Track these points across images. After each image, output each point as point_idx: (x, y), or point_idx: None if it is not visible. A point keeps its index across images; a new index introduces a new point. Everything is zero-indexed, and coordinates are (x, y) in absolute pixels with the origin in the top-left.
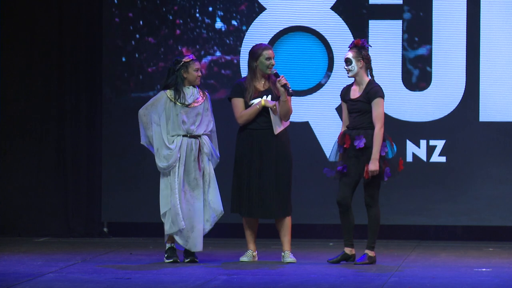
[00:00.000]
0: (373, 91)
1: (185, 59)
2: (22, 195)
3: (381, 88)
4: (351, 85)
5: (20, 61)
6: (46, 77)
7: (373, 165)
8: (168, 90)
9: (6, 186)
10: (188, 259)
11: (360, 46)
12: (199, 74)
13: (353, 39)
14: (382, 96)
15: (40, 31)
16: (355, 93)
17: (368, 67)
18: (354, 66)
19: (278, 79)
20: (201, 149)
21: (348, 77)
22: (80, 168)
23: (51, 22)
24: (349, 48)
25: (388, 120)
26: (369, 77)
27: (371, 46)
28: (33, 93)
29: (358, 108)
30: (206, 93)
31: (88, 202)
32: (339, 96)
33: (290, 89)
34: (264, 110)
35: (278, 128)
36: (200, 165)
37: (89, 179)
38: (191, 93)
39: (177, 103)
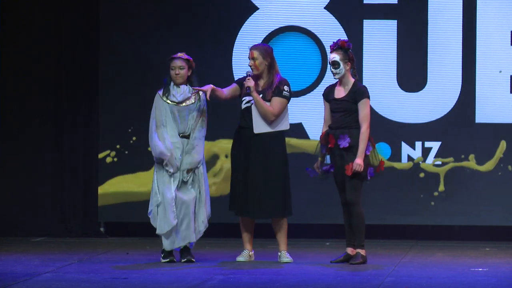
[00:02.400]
0: (360, 92)
1: (169, 58)
2: (19, 195)
3: (367, 89)
4: (335, 84)
5: (18, 62)
6: (44, 77)
7: (359, 159)
8: (162, 90)
9: (3, 186)
10: (185, 259)
11: (346, 48)
12: (177, 72)
13: (340, 39)
14: (368, 96)
15: (38, 33)
16: (340, 92)
17: (352, 67)
18: (342, 69)
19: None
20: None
21: (335, 78)
22: (77, 168)
23: (49, 24)
24: (331, 49)
25: (383, 121)
26: (354, 77)
27: (351, 44)
28: (30, 94)
29: (343, 108)
30: (201, 94)
31: (85, 202)
32: (322, 95)
33: (248, 91)
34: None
35: (258, 128)
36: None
37: (86, 179)
38: (182, 92)
39: (168, 101)
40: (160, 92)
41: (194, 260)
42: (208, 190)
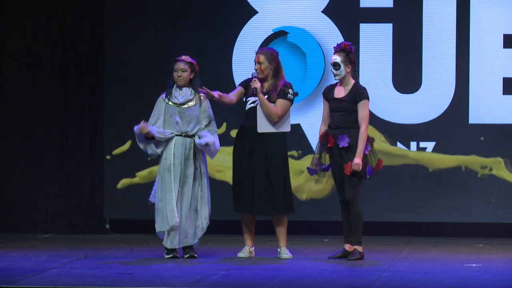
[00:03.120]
0: (360, 93)
1: (173, 60)
2: (26, 193)
3: (367, 90)
4: (335, 84)
5: (22, 59)
6: (49, 75)
7: (358, 159)
8: (165, 93)
9: (10, 184)
10: (188, 255)
11: (348, 51)
12: (179, 74)
13: (343, 42)
14: (368, 98)
15: (42, 30)
16: (340, 92)
17: (353, 70)
18: (343, 70)
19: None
20: (196, 148)
21: (335, 79)
22: (82, 166)
23: (53, 23)
24: (334, 50)
25: (379, 122)
26: (355, 79)
27: (354, 48)
28: (36, 91)
29: (342, 108)
30: (202, 94)
31: (90, 199)
32: (322, 94)
33: (255, 91)
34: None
35: (262, 127)
36: (195, 163)
37: (92, 177)
38: (184, 94)
39: (170, 103)
40: (163, 95)
41: (196, 256)
42: (209, 187)
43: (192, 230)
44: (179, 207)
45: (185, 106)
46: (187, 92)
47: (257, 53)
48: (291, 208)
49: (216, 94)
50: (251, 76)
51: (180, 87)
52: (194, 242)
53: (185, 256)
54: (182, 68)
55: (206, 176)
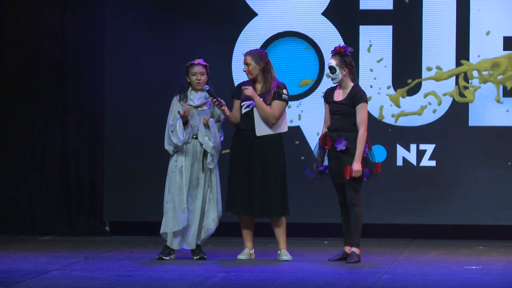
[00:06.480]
0: (358, 96)
1: (187, 64)
2: (26, 195)
3: (365, 93)
4: (335, 87)
5: (22, 60)
6: (49, 75)
7: (356, 166)
8: (178, 95)
9: (10, 186)
10: (198, 256)
11: (343, 54)
12: (198, 78)
13: (343, 44)
14: (366, 101)
15: (42, 30)
16: (339, 96)
17: (351, 72)
18: (339, 74)
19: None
20: (205, 150)
21: (333, 83)
22: (82, 168)
23: (53, 23)
24: (331, 54)
25: (378, 124)
26: (353, 82)
27: (352, 50)
28: (35, 92)
29: (341, 111)
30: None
31: (90, 201)
32: (322, 97)
33: (217, 103)
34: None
35: (261, 130)
36: (204, 166)
37: (92, 179)
38: (199, 96)
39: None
40: (177, 97)
41: (206, 257)
42: (220, 189)
43: (202, 234)
44: (188, 213)
45: (200, 108)
46: (201, 95)
47: (244, 55)
48: (287, 211)
49: (228, 111)
50: (204, 91)
51: (196, 91)
52: (198, 242)
53: (195, 257)
54: (201, 71)
55: (217, 178)
